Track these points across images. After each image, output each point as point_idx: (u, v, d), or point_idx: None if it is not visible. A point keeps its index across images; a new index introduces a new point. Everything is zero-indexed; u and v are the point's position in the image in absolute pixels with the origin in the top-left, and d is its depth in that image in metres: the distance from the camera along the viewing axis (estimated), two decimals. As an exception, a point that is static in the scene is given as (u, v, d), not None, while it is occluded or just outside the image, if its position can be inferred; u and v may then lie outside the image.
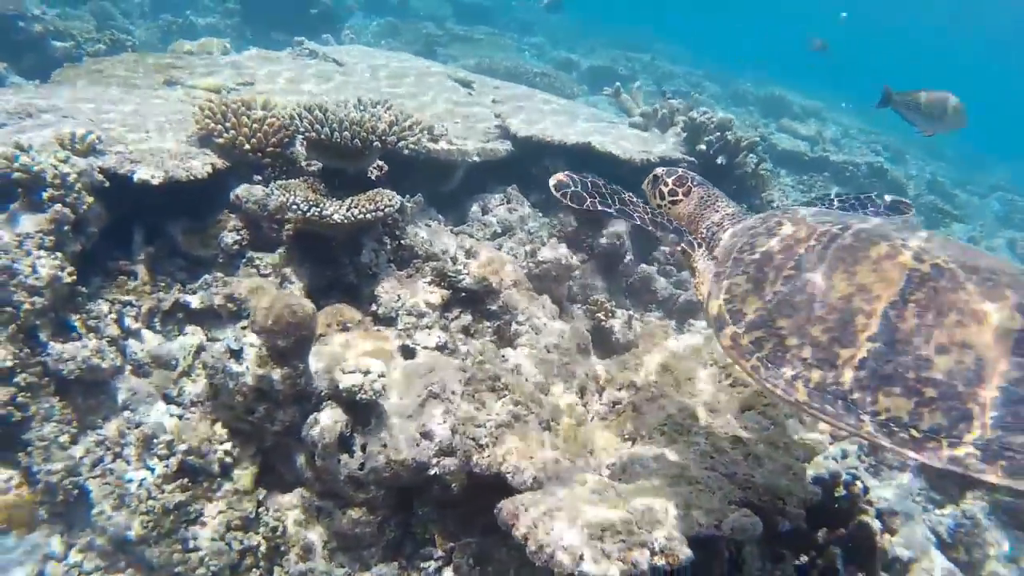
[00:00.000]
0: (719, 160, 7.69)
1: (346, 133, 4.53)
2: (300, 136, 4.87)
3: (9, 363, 3.72)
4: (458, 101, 7.83)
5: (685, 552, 2.75)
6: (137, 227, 4.65)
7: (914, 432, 1.94)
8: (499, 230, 6.50)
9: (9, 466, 3.75)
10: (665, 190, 3.08)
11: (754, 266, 2.46)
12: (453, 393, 3.94)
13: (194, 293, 4.55)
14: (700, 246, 2.83)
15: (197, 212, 4.84)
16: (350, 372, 3.60)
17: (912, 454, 1.94)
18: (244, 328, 3.68)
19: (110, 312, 4.29)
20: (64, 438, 3.79)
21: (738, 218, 2.91)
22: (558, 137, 6.94)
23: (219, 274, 4.63)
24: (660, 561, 2.67)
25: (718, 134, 7.69)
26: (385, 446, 3.62)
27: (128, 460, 3.83)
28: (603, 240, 6.81)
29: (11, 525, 3.69)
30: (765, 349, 2.26)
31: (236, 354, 3.63)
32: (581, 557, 2.59)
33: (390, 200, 4.49)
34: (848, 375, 2.07)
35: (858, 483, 4.27)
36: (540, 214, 6.84)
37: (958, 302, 2.00)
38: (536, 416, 3.61)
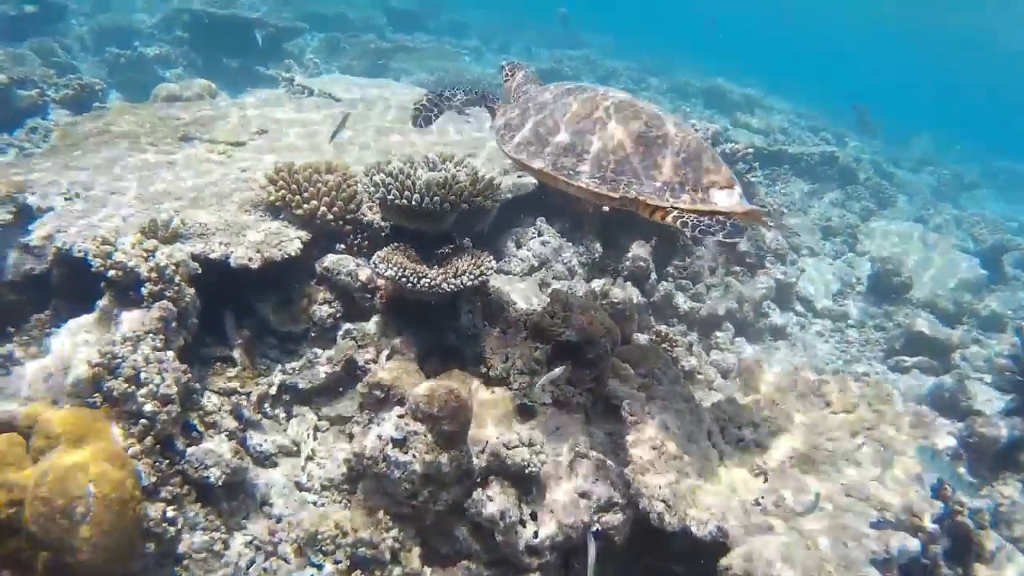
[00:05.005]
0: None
1: (436, 198, 4.55)
2: (376, 200, 4.85)
3: (154, 478, 3.62)
4: (463, 130, 7.85)
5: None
6: (227, 310, 4.54)
7: (571, 172, 3.42)
8: (536, 264, 6.61)
9: (166, 582, 3.65)
10: (503, 73, 4.49)
11: (523, 101, 3.93)
12: (593, 450, 4.09)
13: (297, 372, 4.50)
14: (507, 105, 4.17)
15: (278, 284, 4.75)
16: (515, 447, 3.68)
17: (564, 178, 3.43)
18: (402, 417, 3.69)
19: (223, 405, 4.19)
20: (218, 546, 3.71)
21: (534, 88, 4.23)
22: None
23: (317, 350, 4.59)
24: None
25: (717, 148, 8.01)
26: (552, 512, 3.74)
27: (287, 558, 3.79)
28: (628, 263, 7.09)
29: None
30: (511, 136, 3.73)
31: (399, 443, 3.65)
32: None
33: (489, 263, 4.55)
34: (548, 148, 3.52)
35: (947, 485, 4.67)
36: (568, 243, 6.98)
37: (616, 118, 3.47)
38: (691, 466, 3.80)
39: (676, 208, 3.24)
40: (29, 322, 4.66)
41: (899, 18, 48.16)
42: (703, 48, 27.05)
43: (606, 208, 3.29)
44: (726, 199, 3.28)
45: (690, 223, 3.17)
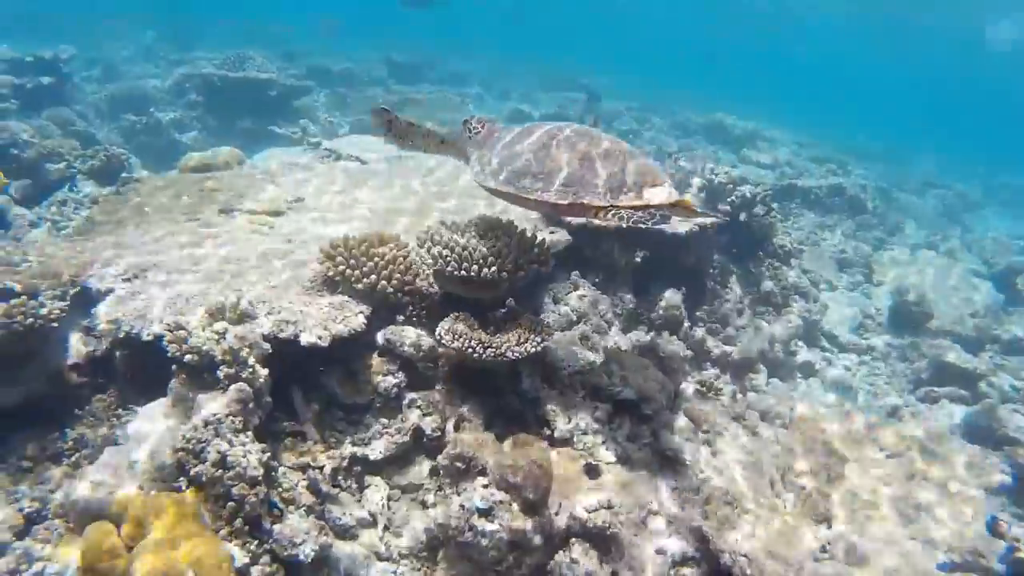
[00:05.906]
0: (741, 217, 8.22)
1: (493, 268, 4.70)
2: (433, 271, 5.00)
3: (246, 559, 3.71)
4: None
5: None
6: (295, 387, 4.66)
7: (531, 189, 4.00)
8: (574, 318, 6.75)
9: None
10: (471, 126, 4.76)
11: (493, 142, 4.45)
12: (662, 506, 4.21)
13: (367, 443, 4.61)
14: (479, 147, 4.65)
15: (341, 356, 4.87)
16: (595, 510, 3.80)
17: (525, 195, 4.03)
18: (486, 487, 3.81)
19: (300, 480, 4.29)
20: (310, 625, 3.79)
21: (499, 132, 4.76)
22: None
23: (384, 420, 4.70)
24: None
25: (737, 193, 8.23)
26: (632, 569, 3.85)
27: (376, 633, 3.86)
28: (661, 312, 7.25)
29: None
30: (484, 170, 4.31)
31: (485, 512, 3.76)
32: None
33: (547, 328, 4.69)
34: (513, 175, 4.10)
35: (1001, 522, 4.78)
36: (603, 295, 7.13)
37: (565, 144, 4.08)
38: (761, 518, 3.92)
39: (614, 206, 3.82)
40: (92, 404, 4.77)
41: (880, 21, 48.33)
42: (698, 79, 27.64)
43: (592, 219, 4.15)
44: (657, 194, 3.86)
45: (624, 216, 3.75)
